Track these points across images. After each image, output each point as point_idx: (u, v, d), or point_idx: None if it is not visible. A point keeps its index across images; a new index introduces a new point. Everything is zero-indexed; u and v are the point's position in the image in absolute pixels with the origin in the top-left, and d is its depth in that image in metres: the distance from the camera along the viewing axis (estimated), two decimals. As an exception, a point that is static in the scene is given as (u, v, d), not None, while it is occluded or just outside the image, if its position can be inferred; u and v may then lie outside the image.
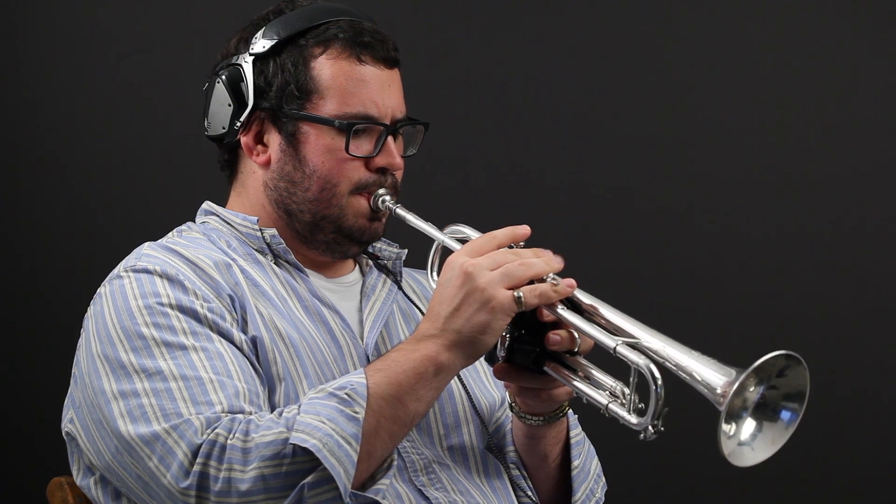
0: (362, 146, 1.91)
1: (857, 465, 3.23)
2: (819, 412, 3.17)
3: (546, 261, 1.73)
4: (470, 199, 3.27)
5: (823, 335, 3.24)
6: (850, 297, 3.25)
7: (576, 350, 1.75)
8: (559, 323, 1.74)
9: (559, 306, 1.72)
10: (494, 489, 1.91)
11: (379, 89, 1.91)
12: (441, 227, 1.91)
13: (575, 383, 1.74)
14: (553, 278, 1.73)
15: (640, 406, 1.65)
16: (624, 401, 1.67)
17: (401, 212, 1.92)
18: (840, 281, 3.25)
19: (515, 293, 1.69)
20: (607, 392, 1.70)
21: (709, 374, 1.56)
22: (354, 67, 1.90)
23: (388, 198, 1.92)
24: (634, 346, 1.65)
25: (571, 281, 1.72)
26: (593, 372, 1.74)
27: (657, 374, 1.61)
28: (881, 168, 3.25)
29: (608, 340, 1.66)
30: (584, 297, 1.73)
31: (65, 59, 3.21)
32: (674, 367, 1.61)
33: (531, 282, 1.72)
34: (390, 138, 1.92)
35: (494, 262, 1.72)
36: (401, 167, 1.94)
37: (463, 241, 1.85)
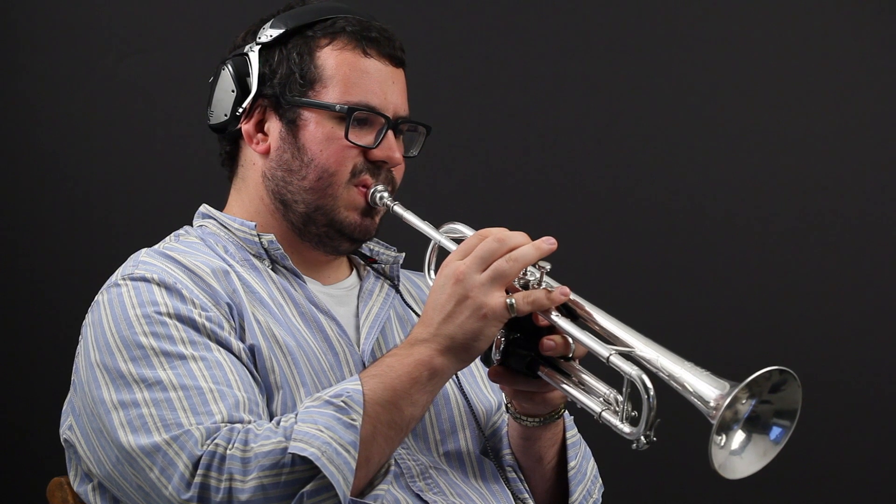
0: (363, 137, 1.90)
1: (857, 465, 3.23)
2: (819, 411, 3.20)
3: (536, 245, 1.72)
4: (470, 198, 3.26)
5: (824, 333, 3.24)
6: (851, 296, 3.25)
7: (570, 356, 1.75)
8: (554, 328, 1.73)
9: (553, 313, 1.71)
10: (493, 492, 1.91)
11: (382, 83, 1.92)
12: (437, 226, 1.90)
13: (568, 389, 1.74)
14: (548, 284, 1.73)
15: (633, 415, 1.65)
16: (617, 409, 1.67)
17: (398, 209, 1.91)
18: (842, 279, 3.25)
19: (508, 300, 1.70)
20: (601, 399, 1.70)
21: (702, 386, 1.55)
22: (359, 59, 1.91)
23: (385, 194, 1.92)
24: (628, 356, 1.64)
25: (565, 289, 1.72)
26: (587, 378, 1.73)
27: (649, 385, 1.60)
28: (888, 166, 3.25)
29: (601, 349, 1.66)
30: (580, 303, 1.72)
31: (65, 58, 3.20)
32: (666, 378, 1.61)
33: (526, 285, 1.73)
34: (391, 133, 1.92)
35: (483, 261, 1.71)
36: (400, 162, 1.94)
37: (458, 240, 1.84)
